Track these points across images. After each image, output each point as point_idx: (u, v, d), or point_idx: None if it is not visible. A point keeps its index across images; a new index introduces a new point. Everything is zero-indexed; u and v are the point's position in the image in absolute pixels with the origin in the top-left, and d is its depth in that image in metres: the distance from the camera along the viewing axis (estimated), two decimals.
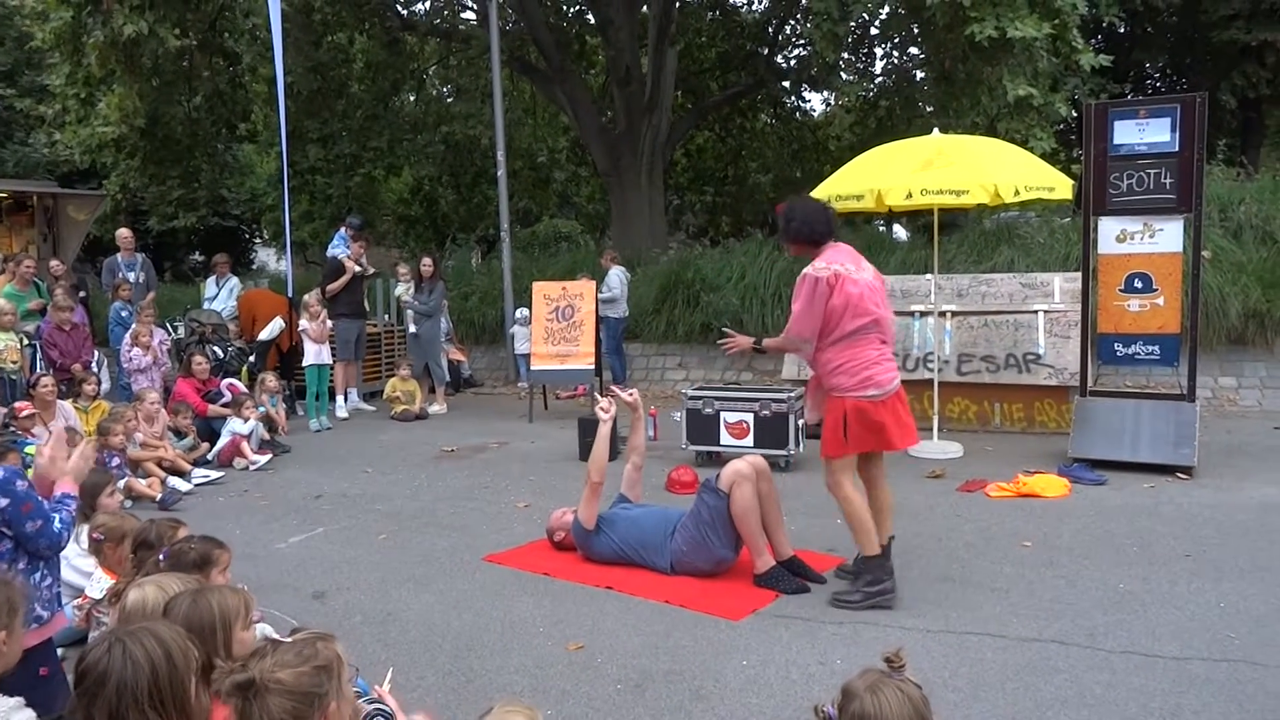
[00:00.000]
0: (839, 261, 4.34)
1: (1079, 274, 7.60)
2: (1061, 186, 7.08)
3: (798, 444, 7.08)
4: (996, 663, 3.61)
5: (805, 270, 4.37)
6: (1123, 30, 16.35)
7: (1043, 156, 8.84)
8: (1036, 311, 8.50)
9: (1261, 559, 4.71)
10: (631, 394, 5.35)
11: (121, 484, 6.38)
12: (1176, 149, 6.59)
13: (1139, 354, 6.95)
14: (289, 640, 1.82)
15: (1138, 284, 6.87)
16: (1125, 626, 3.91)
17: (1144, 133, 6.69)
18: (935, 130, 7.73)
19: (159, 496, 6.65)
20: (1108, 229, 6.91)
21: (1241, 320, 9.39)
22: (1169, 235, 6.74)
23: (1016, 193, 6.85)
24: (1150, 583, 4.43)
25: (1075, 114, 12.61)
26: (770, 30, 17.76)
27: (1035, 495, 6.08)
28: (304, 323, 9.81)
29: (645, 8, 16.51)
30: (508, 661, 3.75)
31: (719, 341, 4.65)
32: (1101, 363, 7.42)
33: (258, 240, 30.68)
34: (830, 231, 4.49)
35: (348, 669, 1.87)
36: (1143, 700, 3.25)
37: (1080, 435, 6.90)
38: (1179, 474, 6.45)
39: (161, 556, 3.17)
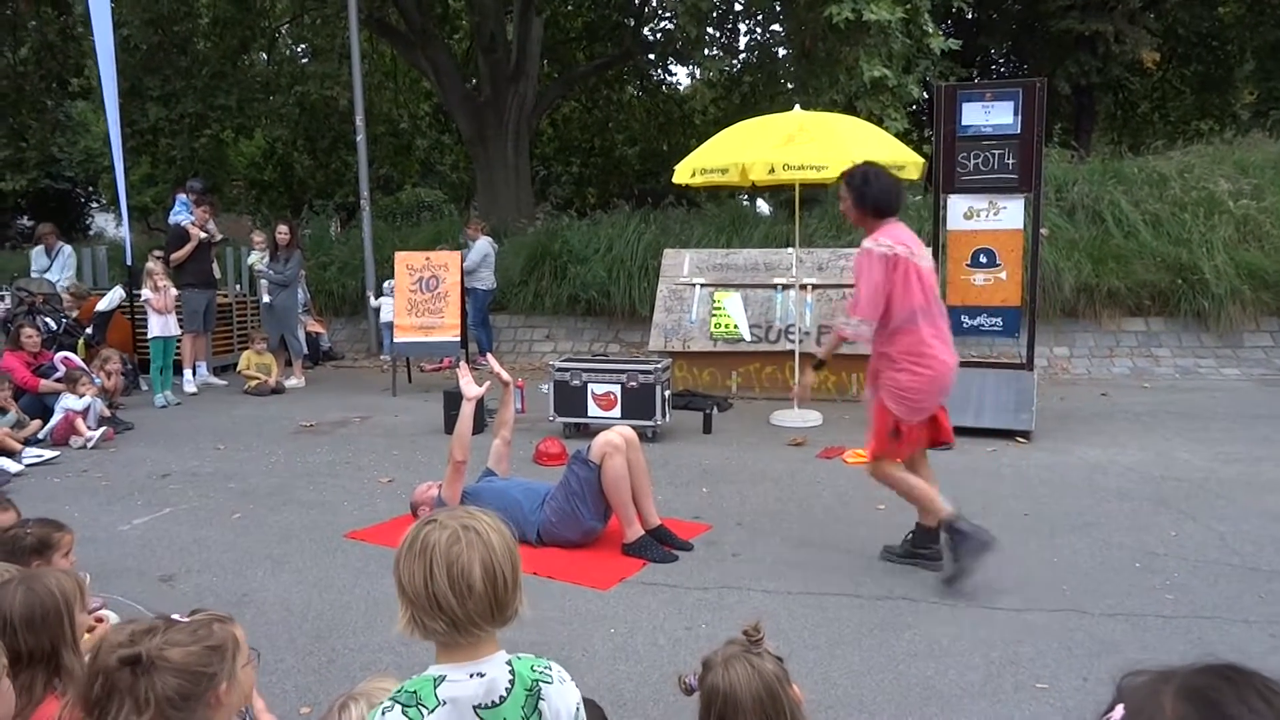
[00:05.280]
0: (902, 242, 4.12)
1: (929, 249, 7.95)
2: (912, 166, 7.37)
3: (664, 415, 7.17)
4: (853, 621, 3.76)
5: (865, 245, 4.15)
6: (970, 16, 17.10)
7: (896, 135, 9.20)
8: None
9: (1089, 515, 5.08)
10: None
11: None
12: (1018, 131, 6.96)
13: (983, 325, 7.34)
14: (184, 619, 1.78)
15: (983, 259, 7.24)
16: (969, 582, 4.14)
17: (989, 115, 7.03)
18: (797, 107, 7.91)
19: None
20: (956, 206, 7.24)
21: (1074, 294, 10.06)
22: (1011, 213, 7.12)
23: None
24: None
25: (926, 95, 13.14)
26: (636, 2, 17.73)
27: None
28: (146, 292, 9.24)
29: None
30: (371, 640, 3.66)
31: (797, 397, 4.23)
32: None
33: (94, 204, 28.72)
34: (898, 208, 4.27)
35: (248, 653, 1.84)
36: (984, 650, 3.46)
37: None
38: (1018, 438, 6.87)
39: None
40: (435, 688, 1.57)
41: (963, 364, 7.65)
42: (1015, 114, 6.95)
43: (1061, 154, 12.19)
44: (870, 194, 4.19)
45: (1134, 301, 10.22)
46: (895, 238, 4.11)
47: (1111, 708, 0.98)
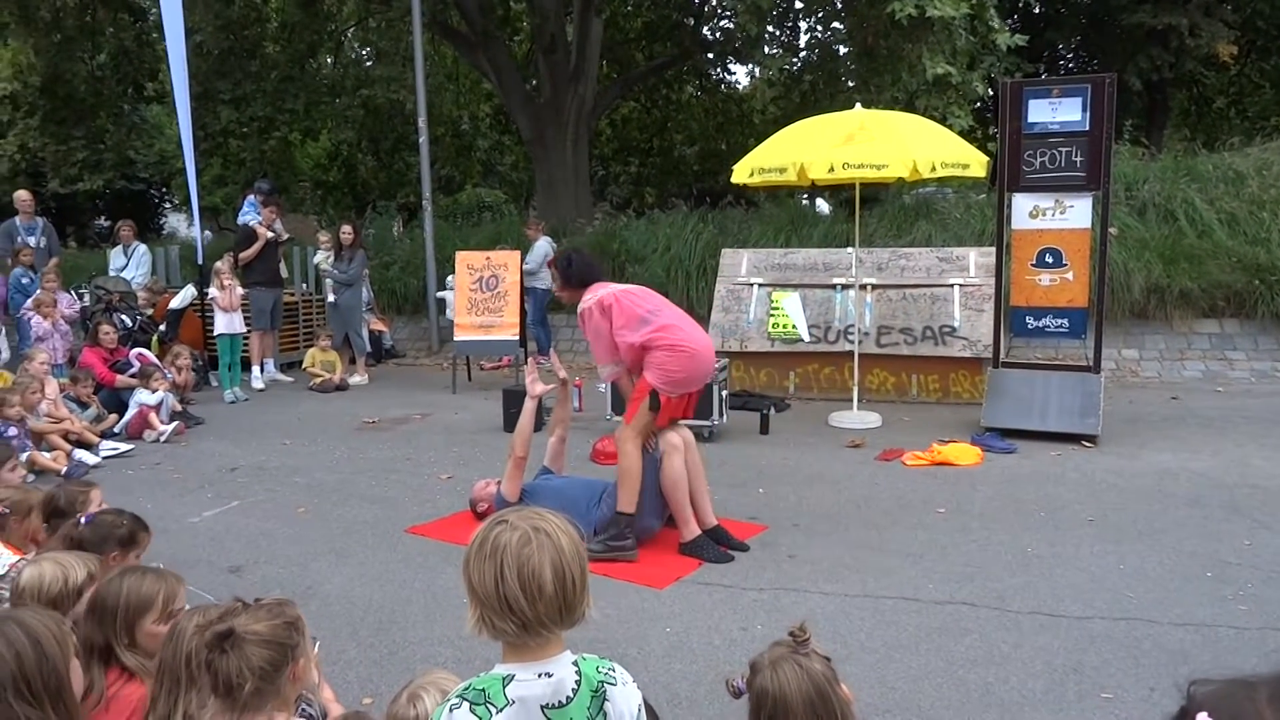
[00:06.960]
0: (595, 290, 4.81)
1: (993, 249, 7.82)
2: (976, 164, 7.23)
3: (721, 415, 7.15)
4: (910, 625, 3.72)
5: (579, 308, 4.84)
6: (1037, 10, 16.75)
7: (960, 133, 9.04)
8: (952, 285, 8.71)
9: (1158, 522, 4.94)
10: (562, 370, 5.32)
11: (24, 457, 6.13)
12: (1087, 128, 6.79)
13: (1049, 326, 7.19)
14: (255, 604, 1.94)
15: (1049, 259, 7.09)
16: (1032, 588, 4.07)
17: (1056, 112, 6.87)
18: (857, 105, 7.82)
19: (64, 470, 6.40)
20: (1021, 205, 7.10)
21: (1144, 295, 9.78)
22: (1079, 212, 6.96)
23: (934, 168, 6.98)
24: (1056, 546, 4.61)
25: (991, 92, 12.88)
26: (696, 1, 17.70)
27: (949, 463, 6.26)
28: (213, 291, 9.51)
29: None
30: (431, 633, 3.73)
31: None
32: (1013, 335, 7.65)
33: (168, 204, 29.59)
34: (596, 276, 4.96)
35: (309, 634, 1.98)
36: (1047, 658, 3.39)
37: (992, 405, 7.12)
38: (1084, 442, 6.71)
39: (84, 520, 3.06)
40: (504, 687, 1.59)
41: (1028, 366, 7.59)
42: (1084, 110, 6.78)
43: (1132, 151, 11.84)
44: (575, 273, 4.94)
45: (1207, 303, 9.90)
46: (594, 291, 4.80)
47: (1190, 716, 0.94)
